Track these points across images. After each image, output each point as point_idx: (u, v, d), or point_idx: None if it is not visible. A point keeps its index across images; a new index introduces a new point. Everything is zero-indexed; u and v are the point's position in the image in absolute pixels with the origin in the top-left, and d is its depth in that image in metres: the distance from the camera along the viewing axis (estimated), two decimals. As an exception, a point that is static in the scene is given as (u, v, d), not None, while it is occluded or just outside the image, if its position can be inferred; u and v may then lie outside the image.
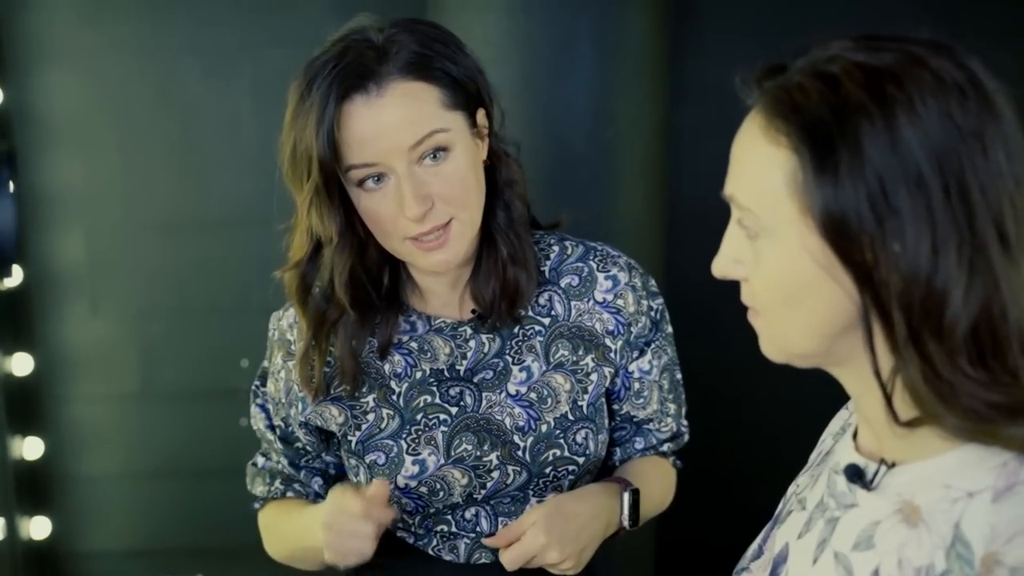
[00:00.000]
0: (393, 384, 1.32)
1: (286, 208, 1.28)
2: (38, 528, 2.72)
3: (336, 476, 1.43)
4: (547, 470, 1.31)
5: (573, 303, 1.34)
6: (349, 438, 1.33)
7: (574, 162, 2.20)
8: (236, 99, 2.59)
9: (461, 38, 1.26)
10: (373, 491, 1.20)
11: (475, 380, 1.32)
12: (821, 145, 0.75)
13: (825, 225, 0.76)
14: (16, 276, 2.60)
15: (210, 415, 2.67)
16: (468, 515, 1.34)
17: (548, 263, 1.36)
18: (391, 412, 1.32)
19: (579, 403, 1.33)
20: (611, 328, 1.34)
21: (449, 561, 1.35)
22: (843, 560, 0.85)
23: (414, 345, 1.34)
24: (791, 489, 1.03)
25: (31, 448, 2.68)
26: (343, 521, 1.20)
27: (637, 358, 1.37)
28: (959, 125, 0.74)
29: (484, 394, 1.32)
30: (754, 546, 1.03)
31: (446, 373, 1.33)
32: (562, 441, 1.31)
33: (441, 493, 1.30)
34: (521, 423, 1.31)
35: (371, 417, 1.32)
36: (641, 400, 1.39)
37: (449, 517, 1.33)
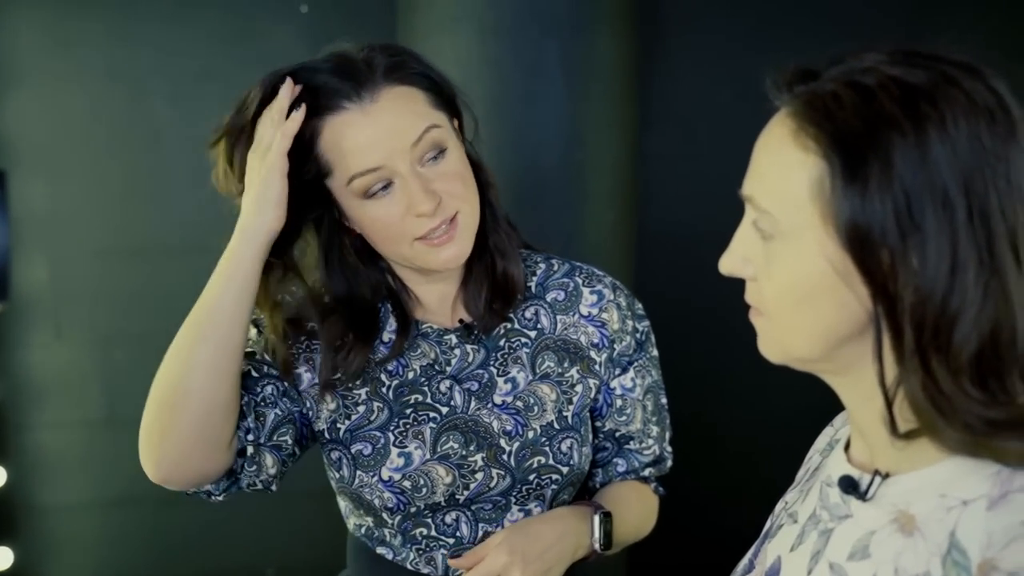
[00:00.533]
0: (384, 377, 1.34)
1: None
2: (1, 559, 2.67)
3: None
4: (531, 477, 1.33)
5: (559, 317, 1.38)
6: (338, 426, 1.34)
7: (544, 185, 2.21)
8: (202, 125, 2.58)
9: (432, 61, 1.32)
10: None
11: (463, 387, 1.34)
12: (852, 155, 0.75)
13: (848, 234, 0.76)
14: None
15: (177, 442, 2.64)
16: (448, 519, 1.34)
17: (535, 279, 1.39)
18: (381, 405, 1.34)
19: (564, 413, 1.35)
20: (596, 341, 1.37)
21: (427, 574, 1.35)
22: (839, 570, 0.85)
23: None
24: (779, 505, 1.03)
25: (-7, 477, 2.63)
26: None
27: (619, 375, 1.39)
28: (987, 148, 0.75)
29: (472, 400, 1.34)
30: (744, 561, 1.03)
31: (435, 368, 1.35)
32: (547, 449, 1.33)
33: (424, 490, 1.31)
34: (509, 428, 1.33)
35: (361, 409, 1.34)
36: (624, 417, 1.40)
37: (429, 520, 1.33)
